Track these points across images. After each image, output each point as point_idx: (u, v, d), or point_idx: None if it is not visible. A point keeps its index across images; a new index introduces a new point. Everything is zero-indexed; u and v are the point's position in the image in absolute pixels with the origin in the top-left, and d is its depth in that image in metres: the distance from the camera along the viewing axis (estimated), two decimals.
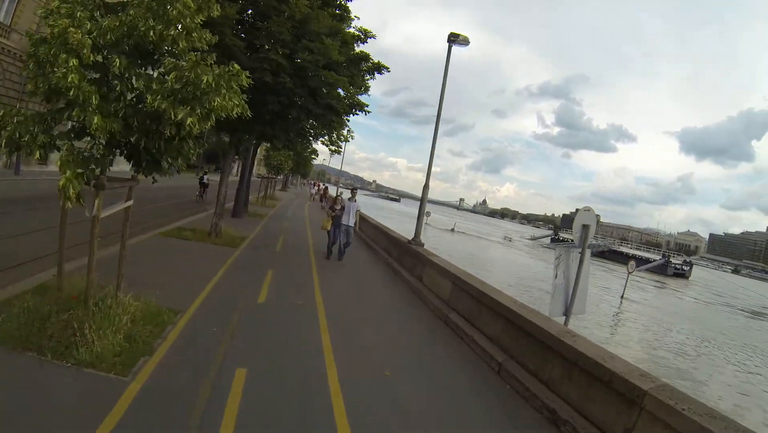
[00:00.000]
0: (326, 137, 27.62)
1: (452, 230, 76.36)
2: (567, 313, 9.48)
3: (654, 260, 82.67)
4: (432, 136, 15.53)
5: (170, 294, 8.53)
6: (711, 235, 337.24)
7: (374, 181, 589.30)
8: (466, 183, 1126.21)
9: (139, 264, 10.19)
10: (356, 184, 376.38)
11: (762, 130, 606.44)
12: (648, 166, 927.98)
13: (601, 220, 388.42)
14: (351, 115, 17.59)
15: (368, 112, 17.40)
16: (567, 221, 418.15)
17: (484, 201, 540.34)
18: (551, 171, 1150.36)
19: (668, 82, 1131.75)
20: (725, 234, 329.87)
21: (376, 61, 17.21)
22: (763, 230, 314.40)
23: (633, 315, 31.30)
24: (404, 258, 15.49)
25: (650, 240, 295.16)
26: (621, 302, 35.40)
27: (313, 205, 48.12)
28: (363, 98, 17.83)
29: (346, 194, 18.44)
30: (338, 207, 15.78)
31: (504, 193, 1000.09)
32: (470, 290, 10.21)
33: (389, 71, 17.54)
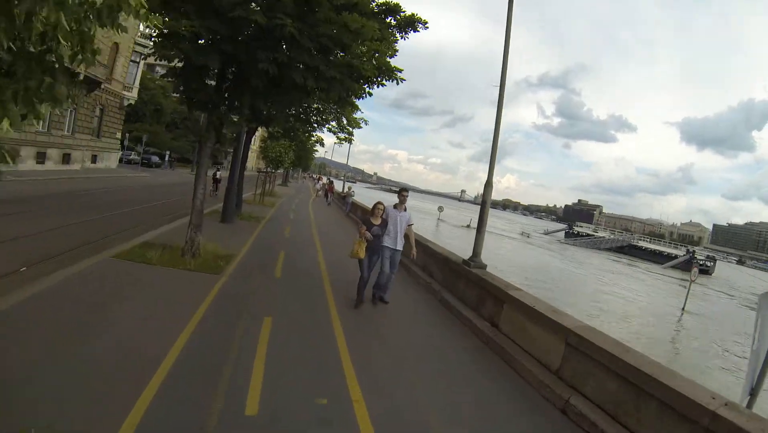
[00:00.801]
0: (335, 122, 23.15)
1: (468, 225, 71.39)
2: (755, 390, 6.02)
3: (677, 256, 78.42)
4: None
5: (73, 417, 4.18)
6: (714, 225, 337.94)
7: (375, 173, 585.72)
8: (467, 174, 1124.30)
9: (40, 331, 5.91)
10: (357, 177, 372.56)
11: (762, 120, 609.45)
12: (648, 156, 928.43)
13: (603, 210, 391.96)
14: (377, 85, 12.43)
15: (402, 80, 12.34)
16: (569, 211, 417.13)
17: None
18: (551, 161, 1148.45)
19: (668, 71, 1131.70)
20: (728, 224, 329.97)
21: (409, 13, 12.41)
22: (766, 219, 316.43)
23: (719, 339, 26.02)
24: (458, 284, 10.92)
25: (653, 231, 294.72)
26: (682, 315, 30.88)
27: (318, 201, 43.86)
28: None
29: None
30: (377, 222, 9.61)
31: (504, 184, 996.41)
32: (610, 362, 5.81)
33: (427, 27, 12.74)
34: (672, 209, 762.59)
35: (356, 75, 11.05)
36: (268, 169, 37.11)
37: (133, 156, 50.21)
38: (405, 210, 10.21)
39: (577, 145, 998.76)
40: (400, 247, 9.98)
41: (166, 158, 59.88)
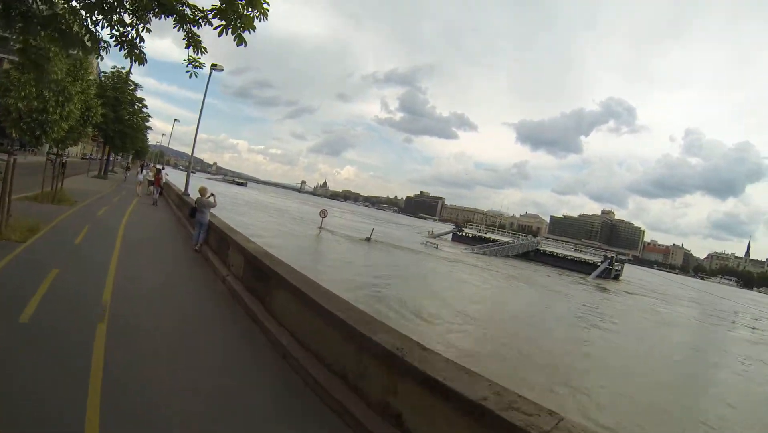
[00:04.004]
0: None
1: (368, 238, 52.85)
2: None
3: (593, 263, 69.62)
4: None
5: None
6: (551, 217, 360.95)
7: (215, 163, 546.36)
8: (307, 165, 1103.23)
9: None
10: (196, 166, 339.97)
11: (590, 128, 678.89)
12: (487, 153, 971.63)
13: (446, 203, 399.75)
14: None
15: None
16: (411, 203, 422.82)
17: (325, 183, 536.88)
18: (392, 154, 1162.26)
19: (509, 78, 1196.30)
20: (564, 216, 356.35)
21: None
22: (588, 211, 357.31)
23: None
24: None
25: (495, 222, 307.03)
26: None
27: (142, 203, 25.83)
28: None
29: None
30: None
31: (344, 175, 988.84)
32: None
33: None
34: (508, 201, 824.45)
35: None
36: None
37: None
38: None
39: (419, 140, 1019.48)
40: None
41: None
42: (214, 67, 23.29)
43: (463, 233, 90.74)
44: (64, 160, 20.82)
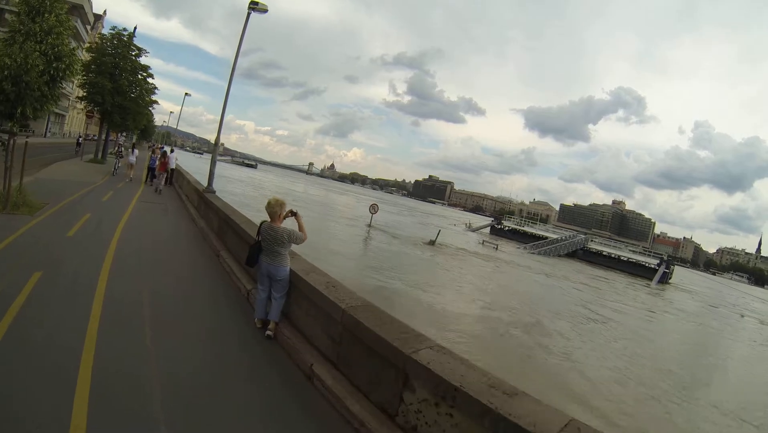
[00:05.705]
0: None
1: (432, 242, 44.71)
2: None
3: (653, 265, 63.95)
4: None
5: None
6: (561, 205, 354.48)
7: (222, 144, 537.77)
8: (314, 147, 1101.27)
9: None
10: (203, 148, 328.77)
11: (598, 116, 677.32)
12: (494, 138, 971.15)
13: (455, 188, 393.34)
14: None
15: None
16: (420, 187, 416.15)
17: (332, 165, 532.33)
18: (400, 137, 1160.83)
19: (517, 65, 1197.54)
20: (574, 205, 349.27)
21: None
22: (595, 199, 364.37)
23: None
24: None
25: (503, 208, 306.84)
26: None
27: (142, 208, 17.07)
28: None
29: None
30: None
31: (351, 157, 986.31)
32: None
33: None
34: (515, 187, 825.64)
35: None
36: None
37: None
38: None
39: (427, 124, 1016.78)
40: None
41: None
42: (254, 6, 16.16)
43: (502, 227, 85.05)
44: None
